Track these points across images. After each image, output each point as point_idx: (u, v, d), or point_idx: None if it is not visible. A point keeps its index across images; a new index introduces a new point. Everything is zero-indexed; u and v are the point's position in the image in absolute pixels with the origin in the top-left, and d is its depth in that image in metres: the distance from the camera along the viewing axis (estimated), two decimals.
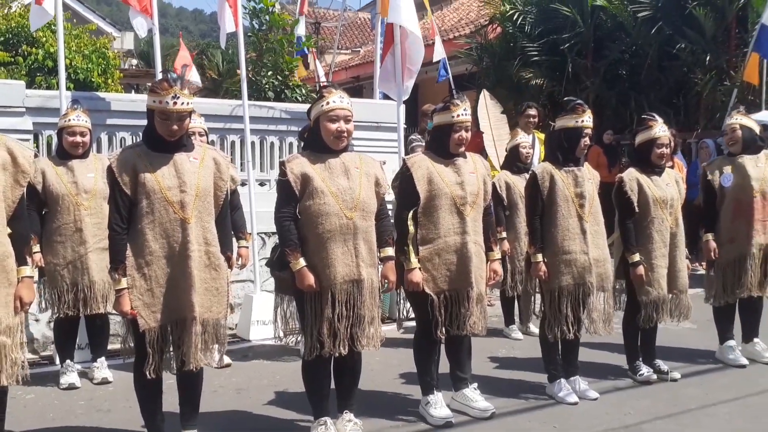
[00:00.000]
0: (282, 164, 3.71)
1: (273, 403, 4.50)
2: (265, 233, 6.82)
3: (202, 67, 15.35)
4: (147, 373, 3.38)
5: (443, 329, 4.00)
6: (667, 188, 4.75)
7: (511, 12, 11.64)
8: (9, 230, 3.15)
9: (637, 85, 10.92)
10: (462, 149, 4.11)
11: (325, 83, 3.90)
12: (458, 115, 4.04)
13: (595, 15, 11.04)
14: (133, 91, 14.41)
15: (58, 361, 5.01)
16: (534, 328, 5.73)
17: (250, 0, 8.10)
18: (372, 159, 3.92)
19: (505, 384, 4.81)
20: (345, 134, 3.67)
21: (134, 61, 19.22)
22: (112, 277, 3.37)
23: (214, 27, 50.13)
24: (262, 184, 7.03)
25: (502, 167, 6.20)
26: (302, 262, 3.60)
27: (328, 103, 3.65)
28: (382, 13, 7.28)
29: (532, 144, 6.55)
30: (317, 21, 18.21)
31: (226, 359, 5.14)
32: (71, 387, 4.74)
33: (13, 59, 7.29)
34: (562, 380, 4.50)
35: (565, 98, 4.83)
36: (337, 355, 3.64)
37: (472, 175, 4.10)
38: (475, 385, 4.29)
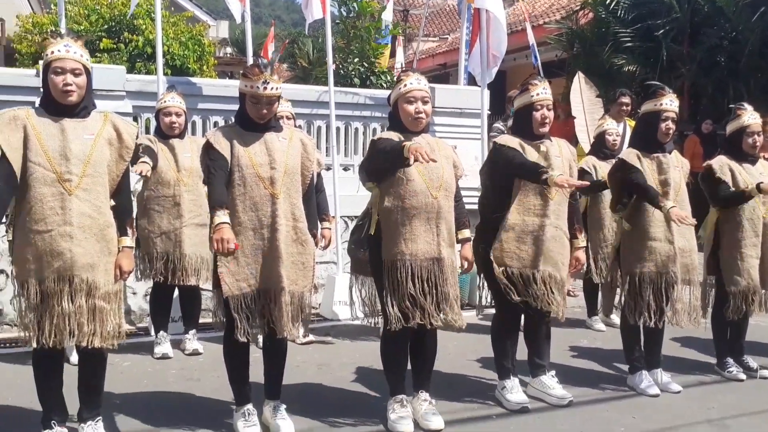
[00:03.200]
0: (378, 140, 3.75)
1: (353, 379, 4.63)
2: (348, 217, 6.96)
3: (293, 56, 15.65)
4: (237, 336, 3.50)
5: (514, 300, 3.98)
6: (761, 177, 4.56)
7: None
8: (113, 202, 3.36)
9: (735, 73, 10.42)
10: (546, 129, 4.08)
11: (404, 69, 3.98)
12: (538, 94, 4.02)
13: (692, 0, 10.60)
14: (227, 78, 14.88)
15: (152, 332, 5.31)
16: (616, 320, 5.63)
17: None
18: (445, 143, 3.98)
19: (584, 374, 4.76)
20: (423, 115, 3.72)
21: (228, 49, 19.81)
22: (213, 214, 3.42)
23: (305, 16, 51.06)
24: (345, 168, 7.17)
25: (589, 153, 6.11)
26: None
27: (405, 85, 3.71)
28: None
29: (623, 132, 6.41)
30: (405, 8, 18.23)
31: (310, 336, 5.33)
32: (164, 357, 5.01)
33: (115, 46, 7.70)
34: (644, 371, 4.42)
35: (647, 83, 4.71)
36: (417, 324, 3.65)
37: (558, 158, 4.07)
38: (553, 372, 4.27)
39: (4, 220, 3.35)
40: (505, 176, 4.03)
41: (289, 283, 3.55)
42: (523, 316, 4.26)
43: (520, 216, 4.00)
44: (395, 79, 3.88)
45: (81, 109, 3.30)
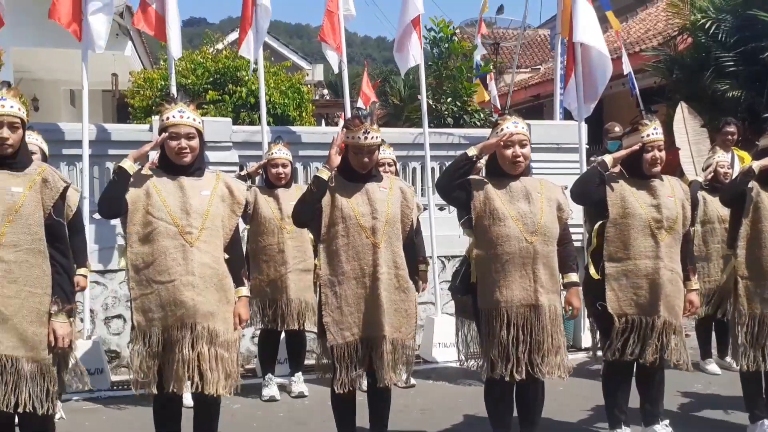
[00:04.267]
0: (467, 182, 3.75)
1: (457, 425, 4.58)
2: (445, 257, 6.97)
3: (385, 94, 15.94)
4: (335, 387, 3.59)
5: (623, 354, 3.86)
6: None
7: (702, 21, 10.90)
8: (227, 255, 3.53)
9: None
10: (657, 170, 3.97)
11: (501, 111, 3.97)
12: (648, 135, 3.92)
13: None
14: (323, 120, 15.33)
15: (260, 374, 5.47)
16: (733, 362, 5.33)
17: (430, 30, 8.36)
18: (553, 184, 3.91)
19: (699, 422, 4.54)
20: (521, 159, 3.70)
21: (324, 91, 20.42)
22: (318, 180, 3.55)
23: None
24: (441, 208, 7.20)
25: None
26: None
27: (502, 129, 3.71)
28: (563, 33, 7.20)
29: (731, 162, 6.14)
30: (496, 41, 18.23)
31: (411, 380, 5.35)
32: (272, 399, 5.15)
33: (220, 97, 8.11)
34: (766, 421, 4.15)
35: (765, 116, 4.49)
36: (508, 379, 3.62)
37: (670, 198, 3.95)
38: (667, 421, 4.08)
39: (123, 269, 3.57)
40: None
41: (392, 331, 3.60)
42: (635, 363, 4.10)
43: (632, 260, 3.90)
44: (493, 123, 3.87)
45: (195, 169, 3.52)
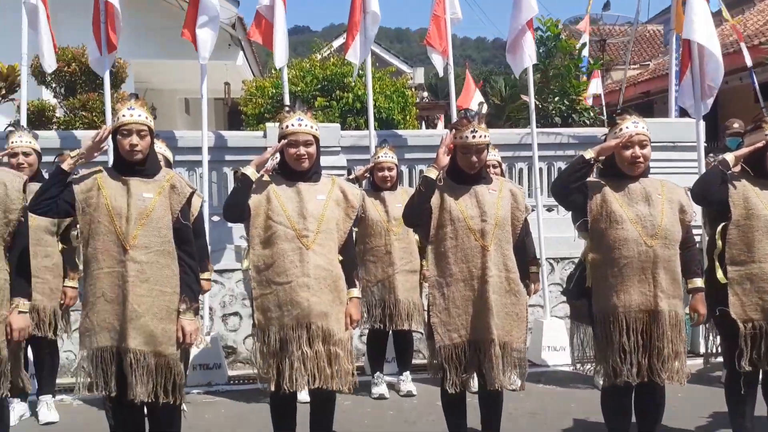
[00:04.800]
0: (584, 185, 3.69)
1: (569, 430, 4.52)
2: (554, 259, 6.86)
3: (486, 94, 15.82)
4: (446, 388, 3.62)
5: (749, 364, 3.68)
6: None
7: None
8: (341, 257, 3.64)
9: None
10: None
11: (618, 110, 3.85)
12: None
13: None
14: (423, 122, 15.38)
15: (369, 371, 5.57)
16: None
17: (537, 29, 8.24)
18: (675, 185, 3.77)
19: None
20: (641, 160, 3.60)
21: (424, 94, 20.48)
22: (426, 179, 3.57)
23: (496, 53, 51.32)
24: (549, 209, 7.09)
25: None
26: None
27: (621, 129, 3.61)
28: (677, 29, 6.93)
29: None
30: (602, 38, 17.71)
31: (519, 382, 5.29)
32: (381, 397, 5.25)
33: (328, 103, 8.32)
34: None
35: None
36: (627, 385, 3.54)
37: None
38: None
39: (241, 269, 3.70)
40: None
41: (503, 335, 3.59)
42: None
43: (757, 263, 3.71)
44: (610, 122, 3.77)
45: (312, 174, 3.64)
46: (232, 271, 6.36)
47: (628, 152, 3.59)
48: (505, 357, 3.61)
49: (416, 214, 3.64)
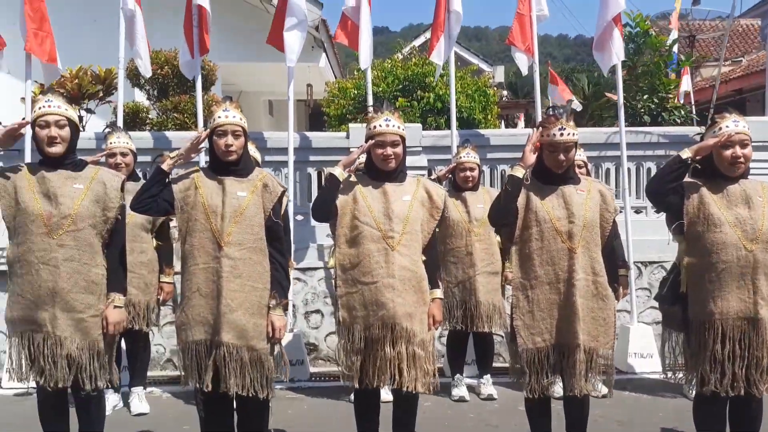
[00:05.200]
0: (680, 186, 3.56)
1: None
2: (641, 262, 6.64)
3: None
4: (525, 392, 3.56)
5: None
6: None
7: None
8: (424, 257, 3.63)
9: None
10: None
11: (712, 107, 3.69)
12: None
13: None
14: (503, 121, 15.21)
15: (448, 373, 5.54)
16: None
17: (626, 25, 8.00)
18: None
19: None
20: (741, 160, 3.44)
21: (504, 92, 20.26)
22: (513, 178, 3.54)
23: (578, 51, 50.14)
24: (638, 211, 6.87)
25: None
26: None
27: (720, 128, 3.46)
28: None
29: None
30: (691, 34, 17.05)
31: (605, 389, 5.14)
32: (461, 399, 5.21)
33: (409, 103, 8.34)
34: None
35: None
36: (722, 395, 3.39)
37: None
38: None
39: (325, 267, 3.74)
40: None
41: (588, 340, 3.50)
42: None
43: None
44: (708, 121, 3.61)
45: (398, 174, 3.65)
46: (315, 269, 6.47)
47: (729, 152, 3.44)
48: (590, 363, 3.52)
49: (503, 215, 3.59)
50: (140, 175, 5.30)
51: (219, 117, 3.43)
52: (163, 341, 6.33)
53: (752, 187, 3.49)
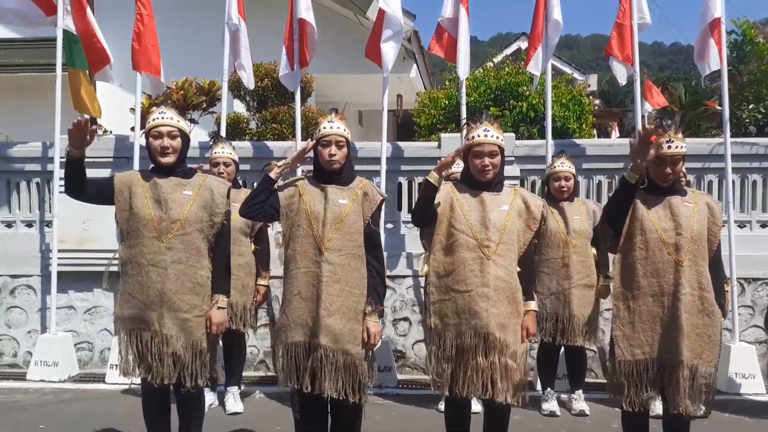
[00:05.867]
0: None
1: None
2: (745, 279, 6.35)
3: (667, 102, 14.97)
4: (623, 406, 3.48)
5: None
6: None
7: None
8: (518, 268, 3.60)
9: None
10: None
11: None
12: None
13: None
14: (595, 130, 14.85)
15: (539, 387, 5.45)
16: None
17: (731, 33, 7.68)
18: None
19: None
20: None
21: (596, 101, 19.82)
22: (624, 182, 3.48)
23: (673, 59, 48.42)
24: (742, 225, 6.57)
25: None
26: None
27: None
28: None
29: None
30: None
31: (703, 409, 4.93)
32: (552, 414, 5.11)
33: (501, 113, 8.28)
34: None
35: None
36: None
37: None
38: None
39: (417, 275, 3.76)
40: None
41: (692, 357, 3.39)
42: None
43: None
44: None
45: (496, 184, 3.65)
46: (404, 277, 6.52)
47: None
48: (692, 381, 3.40)
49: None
50: (240, 182, 5.50)
51: (324, 128, 3.53)
52: (257, 343, 6.53)
53: None
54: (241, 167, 5.56)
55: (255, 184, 5.85)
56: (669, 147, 3.38)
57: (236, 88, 7.72)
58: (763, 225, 6.54)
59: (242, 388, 5.46)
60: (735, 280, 6.02)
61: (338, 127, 3.53)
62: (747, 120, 7.52)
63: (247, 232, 5.01)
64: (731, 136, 6.33)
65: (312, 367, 3.43)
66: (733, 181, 6.38)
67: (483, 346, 3.48)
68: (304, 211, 3.50)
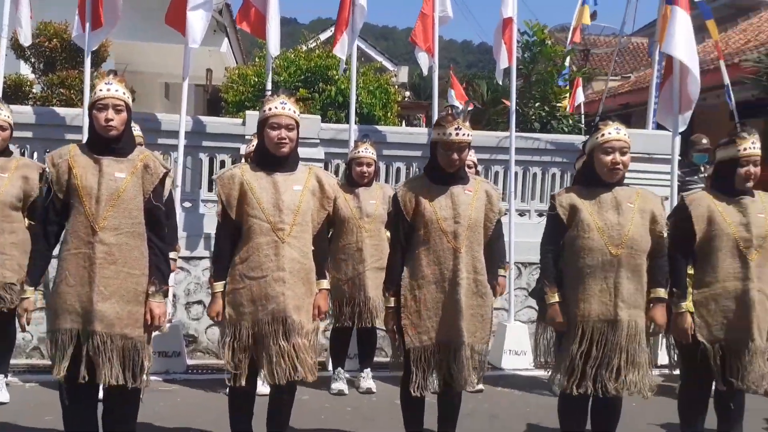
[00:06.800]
0: (552, 198, 3.76)
1: None
2: (522, 263, 6.89)
3: (468, 97, 15.87)
4: (411, 389, 3.62)
5: (721, 382, 3.74)
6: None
7: None
8: (313, 247, 3.61)
9: None
10: (749, 185, 3.82)
11: (600, 116, 3.89)
12: (745, 149, 3.77)
13: None
14: (403, 122, 15.39)
15: (330, 367, 5.55)
16: None
17: (524, 33, 8.27)
18: (652, 194, 3.77)
19: None
20: (620, 166, 3.61)
21: (407, 93, 20.51)
22: (384, 294, 3.71)
23: (480, 58, 51.37)
24: (521, 214, 7.12)
25: None
26: (557, 297, 3.63)
27: (603, 134, 3.62)
28: (660, 41, 6.99)
29: None
30: (586, 48, 17.84)
31: (479, 384, 5.31)
32: (340, 393, 5.23)
33: (310, 95, 8.29)
34: None
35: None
36: (581, 393, 3.56)
37: (761, 216, 3.78)
38: None
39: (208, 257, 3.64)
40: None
41: (468, 336, 3.59)
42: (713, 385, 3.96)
43: (720, 283, 3.76)
44: (593, 127, 3.79)
45: (290, 161, 3.59)
46: (200, 258, 6.30)
47: (608, 158, 3.59)
48: (472, 359, 3.62)
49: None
50: (13, 150, 4.99)
51: (100, 90, 3.26)
52: (30, 328, 5.98)
53: (624, 194, 3.65)
54: (22, 134, 5.06)
55: (36, 154, 5.40)
56: (457, 134, 3.53)
57: (20, 47, 6.99)
58: (540, 214, 7.13)
59: (8, 377, 4.99)
60: (513, 264, 6.52)
61: (117, 90, 3.26)
62: (533, 117, 8.16)
63: (18, 206, 4.55)
64: (517, 131, 6.83)
65: (88, 356, 3.20)
66: (516, 173, 6.89)
67: (282, 329, 3.46)
68: (75, 186, 3.22)
